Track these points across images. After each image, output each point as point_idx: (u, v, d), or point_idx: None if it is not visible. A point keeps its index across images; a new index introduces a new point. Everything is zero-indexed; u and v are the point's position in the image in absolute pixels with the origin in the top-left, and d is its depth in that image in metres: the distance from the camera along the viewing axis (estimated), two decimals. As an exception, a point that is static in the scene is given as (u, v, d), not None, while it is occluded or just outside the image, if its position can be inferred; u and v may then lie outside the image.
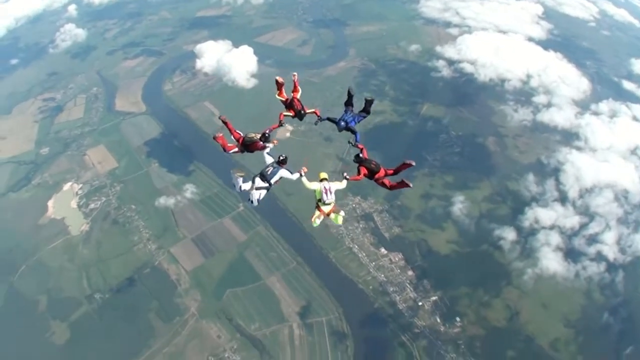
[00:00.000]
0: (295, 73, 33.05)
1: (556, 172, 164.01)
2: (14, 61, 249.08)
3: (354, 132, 31.67)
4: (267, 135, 30.60)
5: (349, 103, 32.34)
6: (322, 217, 28.99)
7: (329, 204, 28.84)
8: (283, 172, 29.16)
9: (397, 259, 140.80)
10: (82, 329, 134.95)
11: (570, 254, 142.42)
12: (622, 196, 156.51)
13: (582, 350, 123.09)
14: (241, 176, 28.42)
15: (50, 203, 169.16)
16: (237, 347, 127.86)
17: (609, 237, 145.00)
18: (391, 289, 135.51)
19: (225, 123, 30.78)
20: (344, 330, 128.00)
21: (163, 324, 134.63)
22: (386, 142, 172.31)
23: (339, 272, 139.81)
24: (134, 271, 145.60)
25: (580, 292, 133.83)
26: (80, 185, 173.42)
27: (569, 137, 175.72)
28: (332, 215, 29.33)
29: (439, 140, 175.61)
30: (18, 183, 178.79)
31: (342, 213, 29.74)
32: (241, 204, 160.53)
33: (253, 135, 30.39)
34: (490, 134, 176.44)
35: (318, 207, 28.93)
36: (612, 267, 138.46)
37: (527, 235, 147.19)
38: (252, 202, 28.83)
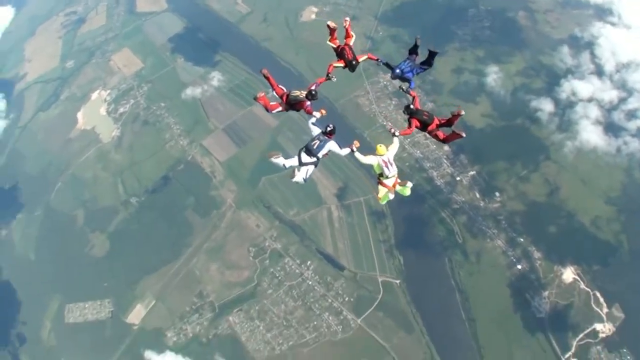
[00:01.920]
0: (347, 18, 29.23)
1: (590, 45, 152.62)
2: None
3: (408, 80, 28.96)
4: (313, 92, 27.09)
5: (413, 51, 29.64)
6: (389, 192, 26.51)
7: (392, 176, 26.15)
8: (332, 145, 25.91)
9: None
10: (121, 236, 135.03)
11: (611, 128, 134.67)
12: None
13: (624, 229, 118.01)
14: (278, 156, 25.41)
15: (79, 115, 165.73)
16: (277, 235, 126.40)
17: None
18: (428, 165, 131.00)
19: (267, 78, 27.65)
20: (382, 210, 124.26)
21: (200, 219, 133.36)
22: (414, 17, 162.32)
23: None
24: (168, 169, 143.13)
25: (621, 168, 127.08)
26: (108, 92, 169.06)
27: (602, 13, 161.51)
28: (399, 188, 26.71)
29: (468, 14, 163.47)
30: (47, 101, 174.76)
31: (409, 184, 27.04)
32: (270, 89, 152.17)
33: (298, 93, 27.26)
34: (520, 8, 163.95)
35: (380, 182, 26.44)
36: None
37: (564, 108, 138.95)
38: (295, 178, 25.74)
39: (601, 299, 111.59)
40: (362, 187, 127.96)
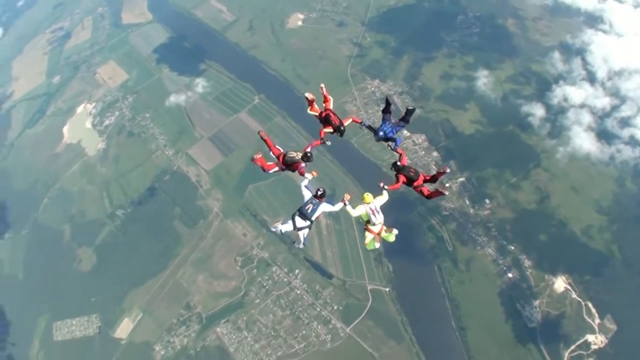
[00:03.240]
0: (322, 85, 29.85)
1: (582, 52, 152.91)
2: (20, 3, 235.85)
3: (393, 140, 30.08)
4: (309, 154, 27.93)
5: (386, 111, 30.33)
6: (375, 238, 28.03)
7: (379, 223, 27.53)
8: (324, 207, 27.34)
9: (420, 140, 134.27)
10: (108, 250, 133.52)
11: (603, 135, 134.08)
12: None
13: (616, 238, 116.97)
14: (278, 222, 27.74)
15: (65, 129, 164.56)
16: (264, 243, 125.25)
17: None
18: None
19: (264, 140, 28.92)
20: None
21: (188, 229, 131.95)
22: (401, 23, 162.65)
23: (362, 157, 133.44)
24: (154, 179, 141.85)
25: (613, 177, 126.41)
26: (94, 104, 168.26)
27: (593, 20, 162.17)
28: (384, 234, 28.07)
29: (457, 21, 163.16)
30: (33, 118, 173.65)
31: (394, 231, 28.36)
32: (256, 96, 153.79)
33: (294, 154, 28.15)
34: (509, 15, 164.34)
35: (367, 229, 27.87)
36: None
37: (556, 113, 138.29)
38: (299, 243, 27.64)
39: (593, 310, 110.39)
40: (350, 194, 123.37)
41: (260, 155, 28.48)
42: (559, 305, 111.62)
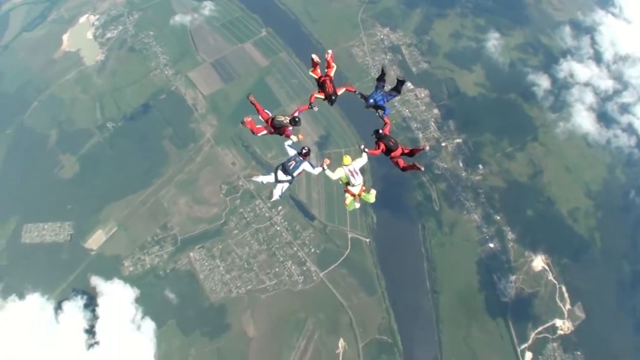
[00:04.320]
0: (330, 51, 29.20)
1: (591, 31, 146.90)
2: None
3: (383, 108, 28.99)
4: (297, 119, 27.42)
5: (381, 79, 29.52)
6: (355, 199, 27.33)
7: (358, 184, 26.76)
8: (305, 166, 26.73)
9: (422, 95, 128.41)
10: (92, 160, 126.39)
11: (603, 117, 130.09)
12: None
13: (599, 226, 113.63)
14: (258, 174, 30.33)
15: (65, 37, 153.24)
16: (251, 175, 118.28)
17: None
18: (415, 126, 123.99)
19: (253, 104, 28.33)
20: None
21: (177, 150, 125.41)
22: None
23: (361, 103, 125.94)
24: (149, 97, 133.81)
25: (605, 163, 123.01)
26: (97, 16, 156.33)
27: (605, 2, 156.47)
28: (363, 195, 27.48)
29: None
30: (32, 22, 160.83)
31: (372, 191, 27.64)
32: (264, 29, 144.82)
33: (282, 118, 27.60)
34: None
35: (347, 190, 27.24)
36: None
37: (560, 88, 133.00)
38: (273, 197, 27.32)
39: (566, 294, 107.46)
40: (345, 138, 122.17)
41: (250, 118, 27.82)
42: (534, 284, 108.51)
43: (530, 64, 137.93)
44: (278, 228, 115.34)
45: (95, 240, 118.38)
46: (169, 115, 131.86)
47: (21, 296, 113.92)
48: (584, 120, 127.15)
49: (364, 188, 27.05)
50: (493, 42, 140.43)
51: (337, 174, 26.47)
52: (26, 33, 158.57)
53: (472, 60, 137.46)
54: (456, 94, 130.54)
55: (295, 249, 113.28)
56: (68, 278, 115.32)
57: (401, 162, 27.10)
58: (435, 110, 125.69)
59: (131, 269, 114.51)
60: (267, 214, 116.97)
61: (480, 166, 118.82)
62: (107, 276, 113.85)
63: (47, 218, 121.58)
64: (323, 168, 26.69)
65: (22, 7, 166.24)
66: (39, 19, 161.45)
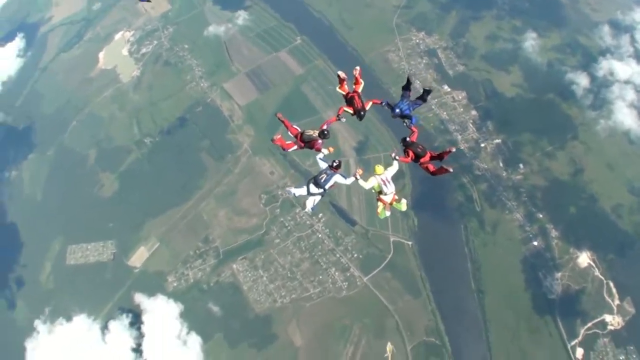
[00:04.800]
0: (357, 67, 30.36)
1: (631, 29, 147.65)
2: None
3: (410, 117, 30.41)
4: (325, 132, 28.70)
5: (406, 88, 30.94)
6: (386, 207, 28.78)
7: (390, 193, 28.30)
8: (337, 178, 28.14)
9: (460, 97, 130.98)
10: (131, 177, 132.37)
11: None
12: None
13: None
14: (291, 187, 26.36)
15: (101, 55, 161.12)
16: (290, 184, 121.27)
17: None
18: (453, 128, 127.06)
19: (282, 121, 29.33)
20: (400, 168, 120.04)
21: (214, 162, 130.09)
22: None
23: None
24: (186, 110, 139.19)
25: None
26: (132, 32, 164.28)
27: None
28: (395, 204, 28.96)
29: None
30: (69, 42, 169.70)
31: (403, 200, 29.25)
32: (298, 37, 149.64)
33: (311, 132, 28.91)
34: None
35: (379, 199, 28.65)
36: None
37: (600, 86, 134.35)
38: (306, 208, 29.17)
39: (614, 290, 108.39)
40: (383, 142, 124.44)
41: (280, 135, 28.97)
42: (581, 281, 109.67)
43: (568, 64, 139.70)
44: (320, 235, 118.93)
45: (139, 258, 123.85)
46: (206, 128, 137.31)
47: (68, 319, 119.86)
48: (625, 117, 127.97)
49: (396, 197, 28.59)
50: (530, 42, 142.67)
51: (370, 183, 28.00)
52: (64, 53, 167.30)
53: (509, 62, 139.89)
54: (494, 95, 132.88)
55: (337, 255, 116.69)
56: (114, 297, 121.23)
57: (431, 167, 28.36)
58: (473, 112, 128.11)
59: (175, 284, 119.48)
60: (307, 222, 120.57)
61: (521, 165, 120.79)
62: (152, 293, 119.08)
63: (90, 238, 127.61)
64: (356, 178, 28.33)
65: (60, 28, 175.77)
66: (76, 38, 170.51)
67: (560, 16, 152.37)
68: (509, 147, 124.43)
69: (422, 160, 27.98)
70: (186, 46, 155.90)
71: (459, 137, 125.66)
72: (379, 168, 28.00)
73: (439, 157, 27.84)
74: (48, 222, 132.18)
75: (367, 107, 29.70)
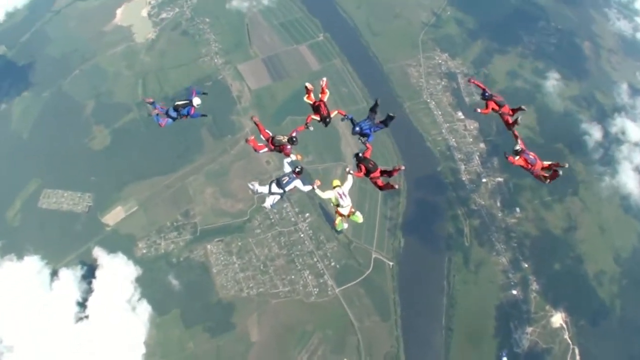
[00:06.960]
0: (324, 78, 32.44)
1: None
2: None
3: (367, 135, 30.54)
4: (294, 139, 29.52)
5: (373, 110, 31.02)
6: (344, 219, 29.32)
7: (347, 206, 28.60)
8: (297, 183, 28.86)
9: (472, 127, 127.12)
10: (125, 135, 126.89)
11: None
12: None
13: (622, 294, 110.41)
14: (254, 183, 29.65)
15: (119, 11, 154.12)
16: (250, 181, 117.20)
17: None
18: (458, 157, 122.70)
19: (256, 124, 30.61)
20: (400, 186, 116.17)
21: (213, 140, 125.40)
22: (484, 9, 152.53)
23: (410, 124, 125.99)
24: (194, 82, 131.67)
25: (638, 232, 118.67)
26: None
27: None
28: (352, 216, 29.35)
29: (538, 25, 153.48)
30: None
31: (358, 213, 29.62)
32: (322, 33, 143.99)
33: (281, 137, 29.74)
34: (587, 38, 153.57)
35: (337, 212, 29.17)
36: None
37: (611, 142, 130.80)
38: (265, 204, 29.62)
39: (578, 357, 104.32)
40: (385, 155, 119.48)
41: (253, 137, 30.19)
42: (549, 340, 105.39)
43: (583, 115, 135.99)
44: (302, 235, 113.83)
45: (113, 217, 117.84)
46: (211, 104, 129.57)
47: (20, 257, 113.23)
48: (629, 179, 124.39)
49: (352, 209, 28.67)
50: (549, 87, 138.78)
51: (326, 194, 28.24)
52: (81, 2, 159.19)
53: (525, 102, 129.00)
54: (504, 131, 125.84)
55: (315, 259, 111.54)
56: (77, 250, 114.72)
57: (379, 182, 28.72)
58: (482, 145, 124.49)
59: (144, 250, 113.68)
60: (293, 219, 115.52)
61: (518, 209, 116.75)
62: (114, 252, 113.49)
63: (69, 186, 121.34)
64: (313, 188, 28.58)
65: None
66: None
67: (581, 68, 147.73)
68: (509, 188, 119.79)
69: (372, 175, 28.55)
70: (207, 20, 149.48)
71: (463, 167, 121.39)
72: (336, 182, 28.71)
73: (388, 174, 28.67)
74: (29, 162, 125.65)
75: (332, 115, 30.80)
